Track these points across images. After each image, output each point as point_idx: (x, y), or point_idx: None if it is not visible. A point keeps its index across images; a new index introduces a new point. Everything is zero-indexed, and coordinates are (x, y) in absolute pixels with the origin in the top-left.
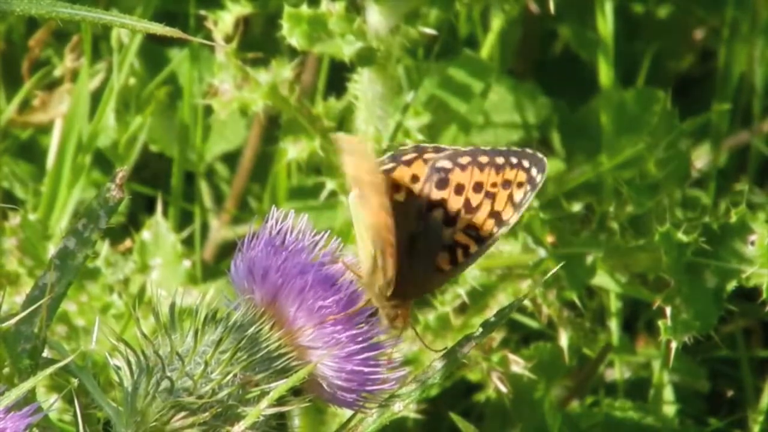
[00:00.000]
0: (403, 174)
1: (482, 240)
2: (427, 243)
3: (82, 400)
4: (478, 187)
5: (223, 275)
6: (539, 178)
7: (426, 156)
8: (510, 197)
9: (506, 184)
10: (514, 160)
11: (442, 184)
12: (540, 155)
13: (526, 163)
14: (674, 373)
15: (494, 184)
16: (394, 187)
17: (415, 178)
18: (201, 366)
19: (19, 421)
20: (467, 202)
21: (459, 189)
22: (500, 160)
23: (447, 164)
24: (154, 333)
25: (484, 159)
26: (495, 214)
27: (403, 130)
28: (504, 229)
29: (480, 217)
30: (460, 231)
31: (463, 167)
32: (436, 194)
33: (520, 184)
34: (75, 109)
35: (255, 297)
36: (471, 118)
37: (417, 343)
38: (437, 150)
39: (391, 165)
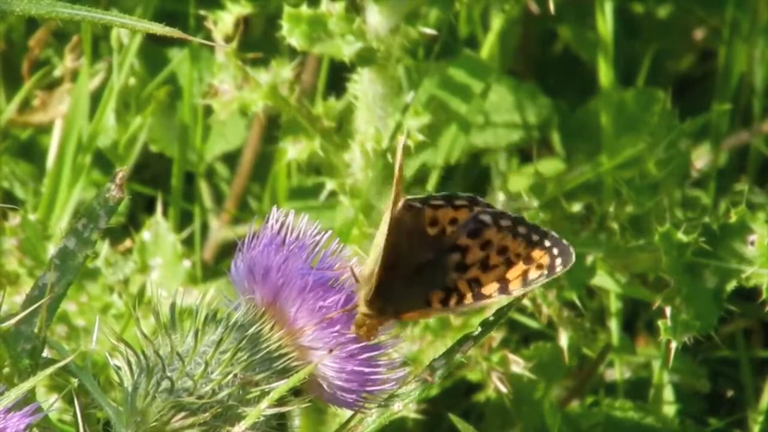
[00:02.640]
0: (446, 214)
1: (480, 297)
2: (431, 278)
3: (82, 400)
4: (503, 250)
5: (223, 275)
6: (559, 270)
7: (476, 208)
8: (525, 274)
9: (528, 260)
10: (547, 244)
11: (474, 234)
12: (571, 249)
13: (555, 251)
14: (674, 373)
15: (518, 255)
16: (432, 221)
17: (453, 221)
18: (201, 366)
19: (19, 421)
20: (486, 258)
21: (485, 245)
22: (536, 237)
23: (487, 219)
24: (154, 333)
25: (522, 230)
26: (503, 281)
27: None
28: (502, 298)
29: (490, 277)
30: (465, 280)
31: (499, 228)
32: (464, 241)
33: (539, 266)
34: (75, 109)
35: (255, 297)
36: (471, 118)
37: (417, 343)
38: (487, 206)
39: (440, 202)
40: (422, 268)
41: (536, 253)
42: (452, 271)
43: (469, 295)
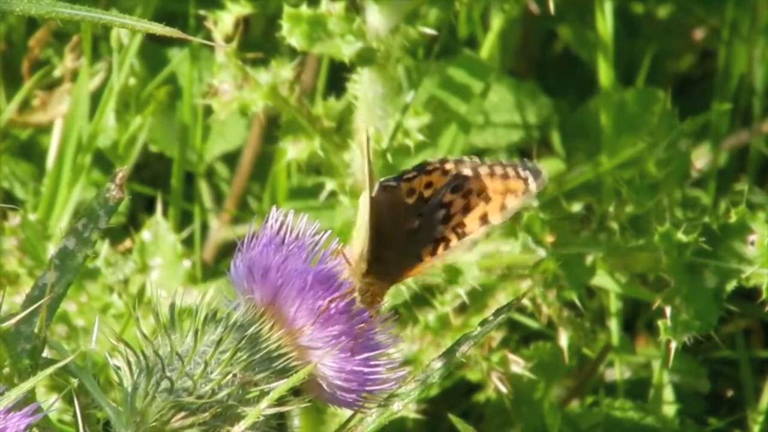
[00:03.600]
0: (420, 181)
1: (463, 236)
2: (421, 238)
3: (82, 400)
4: (481, 191)
5: (223, 275)
6: (533, 189)
7: (446, 166)
8: (502, 204)
9: (504, 192)
10: (521, 172)
11: (456, 189)
12: (540, 167)
13: (527, 174)
14: (674, 373)
15: (495, 191)
16: (409, 192)
17: (429, 185)
18: (201, 366)
19: (19, 421)
20: (467, 204)
21: (466, 194)
22: (510, 171)
23: (468, 172)
24: (153, 333)
25: (498, 170)
26: (484, 217)
27: (403, 130)
28: (483, 229)
29: (471, 217)
30: (450, 228)
31: (478, 176)
32: (448, 197)
33: (514, 193)
34: (75, 109)
35: (255, 297)
36: (471, 118)
37: (417, 343)
38: (458, 162)
39: (413, 174)
40: (411, 233)
41: (511, 184)
42: (438, 224)
43: (454, 239)
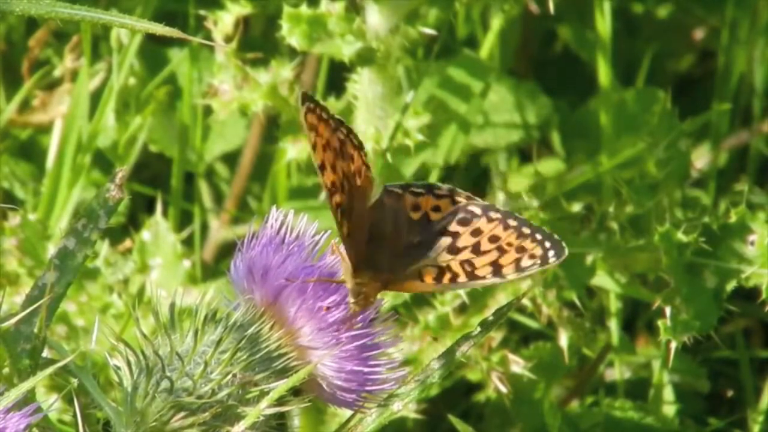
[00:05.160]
0: (428, 201)
1: (473, 277)
2: (421, 256)
3: (82, 400)
4: (494, 239)
5: (223, 275)
6: (552, 261)
7: (457, 197)
8: (518, 261)
9: (521, 249)
10: (539, 237)
11: (464, 222)
12: (563, 244)
13: (547, 244)
14: (674, 373)
15: (510, 244)
16: (414, 207)
17: (436, 209)
18: (201, 366)
19: (19, 421)
20: (477, 244)
21: (476, 232)
22: (526, 230)
23: (477, 210)
24: (153, 333)
25: (512, 222)
26: (496, 265)
27: (403, 130)
28: (496, 280)
29: (483, 260)
30: (458, 261)
31: (490, 219)
32: (453, 227)
33: (532, 256)
34: (75, 109)
35: (255, 297)
36: (471, 118)
37: (417, 343)
38: (469, 197)
39: (420, 190)
40: (412, 247)
41: (528, 244)
42: (444, 252)
43: (462, 275)
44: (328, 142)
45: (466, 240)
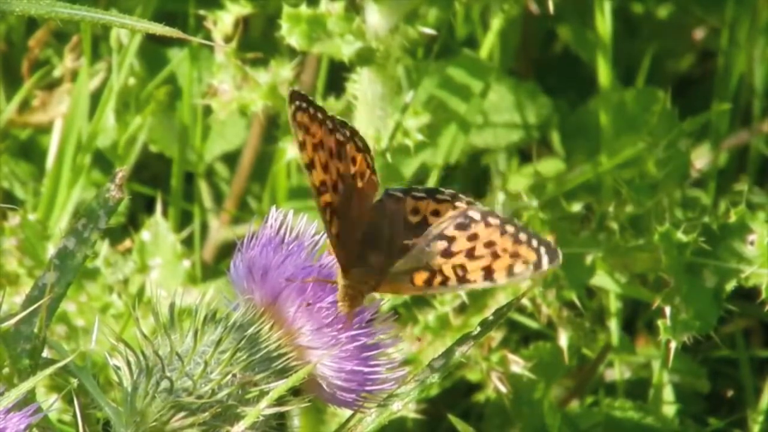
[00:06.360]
0: (428, 205)
1: (464, 281)
2: (415, 259)
3: (82, 400)
4: (489, 244)
5: (223, 275)
6: (545, 267)
7: (457, 203)
8: (510, 267)
9: (515, 255)
10: (534, 243)
11: (461, 227)
12: (558, 251)
13: (542, 250)
14: (674, 373)
15: (504, 250)
16: (414, 210)
17: (435, 212)
18: (200, 366)
19: (19, 421)
20: (472, 249)
21: (472, 237)
22: (523, 236)
23: (476, 216)
24: (153, 333)
25: (510, 228)
26: (488, 270)
27: (403, 130)
28: (487, 284)
29: (475, 265)
30: (450, 265)
31: (488, 225)
32: (450, 232)
33: (525, 262)
34: (75, 109)
35: (254, 297)
36: (470, 118)
37: (416, 343)
38: (470, 203)
39: (421, 195)
40: (406, 249)
41: (523, 250)
42: (438, 255)
43: (453, 279)
44: (321, 141)
45: (461, 244)
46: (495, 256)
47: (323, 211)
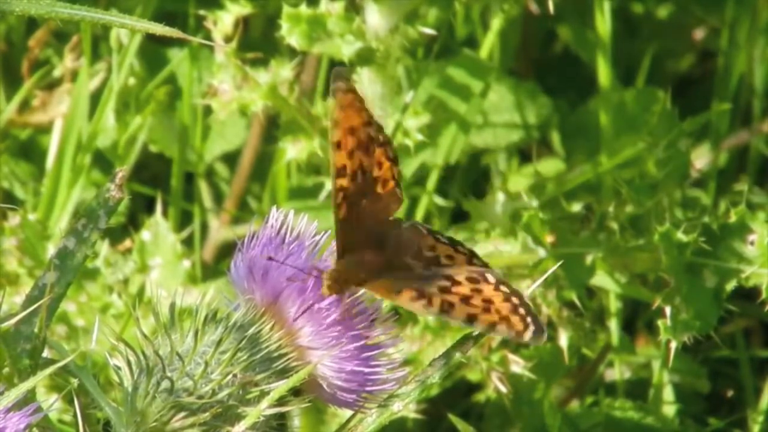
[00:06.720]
0: (446, 250)
1: (445, 314)
2: (411, 279)
3: (82, 400)
4: (488, 301)
5: (223, 275)
6: (525, 340)
7: (474, 260)
8: (494, 324)
9: (504, 319)
10: (529, 319)
11: (472, 281)
12: (545, 334)
13: (531, 327)
14: (674, 373)
15: (498, 311)
16: (431, 248)
17: (450, 257)
18: (201, 366)
19: (19, 421)
20: (469, 297)
21: (477, 290)
22: (522, 310)
23: (491, 279)
24: (154, 333)
25: (514, 299)
26: (473, 318)
27: (403, 130)
28: (463, 325)
29: (464, 309)
30: (442, 299)
31: (497, 289)
32: (460, 278)
33: (510, 327)
34: (75, 109)
35: (255, 297)
36: (470, 118)
37: (417, 343)
38: (483, 264)
39: (445, 240)
40: (407, 268)
41: (515, 319)
42: (435, 287)
43: (437, 308)
44: (353, 128)
45: (462, 290)
46: (486, 311)
47: (336, 193)
